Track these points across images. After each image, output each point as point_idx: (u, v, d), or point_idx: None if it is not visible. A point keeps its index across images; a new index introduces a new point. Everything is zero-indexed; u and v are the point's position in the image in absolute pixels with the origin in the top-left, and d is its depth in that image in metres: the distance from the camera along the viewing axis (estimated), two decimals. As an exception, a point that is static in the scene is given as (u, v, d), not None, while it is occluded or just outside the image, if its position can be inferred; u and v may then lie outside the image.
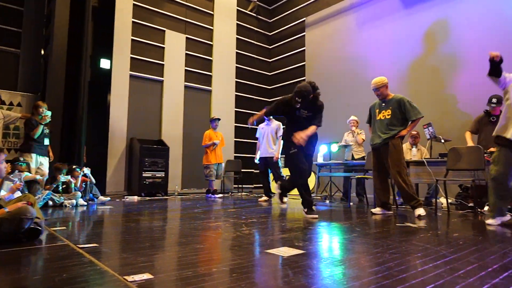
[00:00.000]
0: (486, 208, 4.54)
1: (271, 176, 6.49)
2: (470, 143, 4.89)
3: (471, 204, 4.93)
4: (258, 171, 9.07)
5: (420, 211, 3.92)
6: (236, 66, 9.52)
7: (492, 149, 4.42)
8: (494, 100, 4.87)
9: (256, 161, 6.55)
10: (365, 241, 2.50)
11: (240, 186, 8.90)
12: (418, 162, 5.12)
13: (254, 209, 4.77)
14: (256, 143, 6.71)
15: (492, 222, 3.37)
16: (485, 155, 4.25)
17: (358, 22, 8.12)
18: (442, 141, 5.25)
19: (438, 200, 4.83)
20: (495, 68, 3.28)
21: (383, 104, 4.33)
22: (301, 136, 3.57)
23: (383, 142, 4.23)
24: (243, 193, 8.36)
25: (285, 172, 8.29)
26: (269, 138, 6.16)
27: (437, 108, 6.53)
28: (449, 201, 4.97)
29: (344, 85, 8.07)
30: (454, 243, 2.43)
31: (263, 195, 6.35)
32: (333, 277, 1.60)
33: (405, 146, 5.91)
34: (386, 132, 4.22)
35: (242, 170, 8.75)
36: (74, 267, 1.72)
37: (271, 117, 6.17)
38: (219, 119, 7.31)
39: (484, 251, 2.18)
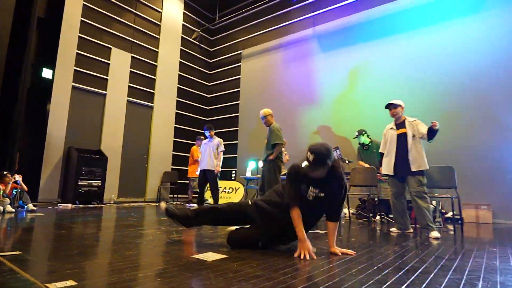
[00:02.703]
0: (377, 217, 4.99)
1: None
2: (366, 166, 5.38)
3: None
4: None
5: None
6: (178, 87, 9.34)
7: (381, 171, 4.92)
8: (356, 133, 5.73)
9: (197, 173, 6.45)
10: (282, 246, 2.56)
11: (175, 196, 8.62)
12: (327, 178, 5.45)
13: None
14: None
15: (394, 230, 3.78)
16: (377, 174, 4.68)
17: (284, 60, 8.56)
18: (347, 162, 5.67)
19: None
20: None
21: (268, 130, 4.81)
22: (306, 251, 2.13)
23: (263, 163, 4.69)
24: (178, 203, 8.09)
25: (224, 184, 8.23)
26: (211, 153, 6.05)
27: (344, 134, 7.09)
28: (351, 211, 5.35)
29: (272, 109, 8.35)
30: (351, 246, 2.61)
31: (196, 204, 6.22)
32: (250, 278, 1.61)
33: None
34: (264, 155, 4.68)
35: (178, 181, 8.50)
36: (-9, 276, 1.49)
37: (213, 133, 6.20)
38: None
39: (373, 253, 2.38)
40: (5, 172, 4.72)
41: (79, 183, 6.30)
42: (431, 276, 1.76)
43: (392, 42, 6.82)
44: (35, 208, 4.83)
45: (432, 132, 3.53)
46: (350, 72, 7.29)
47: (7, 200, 4.46)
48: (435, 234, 3.35)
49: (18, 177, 4.82)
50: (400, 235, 3.47)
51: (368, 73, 7.02)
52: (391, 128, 3.90)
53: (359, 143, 5.63)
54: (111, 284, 1.43)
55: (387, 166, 3.82)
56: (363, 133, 5.54)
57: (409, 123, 3.76)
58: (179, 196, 8.73)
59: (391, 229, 3.82)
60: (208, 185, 6.20)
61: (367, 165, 5.36)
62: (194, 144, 8.04)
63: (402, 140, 3.74)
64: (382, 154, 3.97)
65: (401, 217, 3.73)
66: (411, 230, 3.76)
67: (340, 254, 2.26)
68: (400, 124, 3.83)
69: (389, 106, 3.86)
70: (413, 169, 3.59)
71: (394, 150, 3.77)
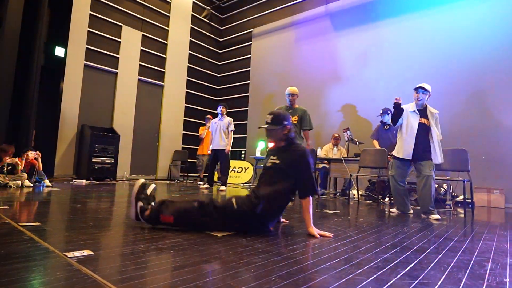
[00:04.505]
0: (387, 199, 4.98)
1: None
2: (377, 147, 5.32)
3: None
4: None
5: None
6: (188, 66, 9.28)
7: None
8: (381, 111, 5.43)
9: (208, 151, 6.51)
10: (289, 224, 2.60)
11: (186, 174, 8.76)
12: (337, 160, 5.44)
13: (197, 195, 4.72)
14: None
15: (394, 210, 3.79)
16: (388, 156, 4.64)
17: (296, 38, 8.38)
18: (357, 143, 5.63)
19: (351, 192, 5.18)
20: (396, 117, 3.71)
21: (290, 110, 4.46)
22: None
23: None
24: (188, 181, 8.22)
25: (233, 164, 8.34)
26: (222, 132, 6.04)
27: (356, 115, 6.99)
28: (360, 192, 5.36)
29: (281, 90, 8.27)
30: (359, 226, 2.63)
31: (206, 182, 6.30)
32: (259, 252, 1.64)
33: (328, 146, 6.25)
34: None
35: (188, 160, 8.61)
36: (13, 243, 1.56)
37: (225, 113, 6.18)
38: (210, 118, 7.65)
39: (381, 233, 2.39)
40: (25, 149, 4.86)
41: (92, 160, 6.43)
42: (440, 256, 1.77)
43: (408, 20, 6.58)
44: (50, 184, 4.96)
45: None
46: (364, 51, 7.10)
47: (25, 175, 4.59)
48: (435, 216, 3.40)
49: (37, 155, 4.93)
50: (409, 217, 3.48)
51: (383, 53, 6.82)
52: (413, 111, 3.70)
53: (381, 121, 5.50)
54: (125, 255, 1.48)
55: (406, 150, 3.65)
56: (388, 112, 5.39)
57: (431, 114, 3.64)
58: (189, 174, 8.87)
59: (391, 210, 3.85)
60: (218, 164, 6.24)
61: (378, 146, 5.31)
62: (203, 124, 8.12)
63: (423, 129, 3.64)
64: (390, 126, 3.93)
65: (403, 199, 3.72)
66: (411, 211, 3.78)
67: (318, 236, 2.11)
68: (423, 112, 3.68)
69: (417, 89, 3.65)
70: (434, 160, 3.56)
71: (415, 137, 3.63)
